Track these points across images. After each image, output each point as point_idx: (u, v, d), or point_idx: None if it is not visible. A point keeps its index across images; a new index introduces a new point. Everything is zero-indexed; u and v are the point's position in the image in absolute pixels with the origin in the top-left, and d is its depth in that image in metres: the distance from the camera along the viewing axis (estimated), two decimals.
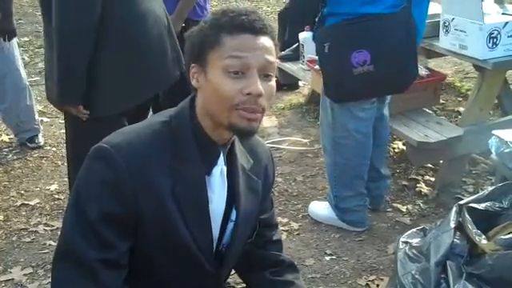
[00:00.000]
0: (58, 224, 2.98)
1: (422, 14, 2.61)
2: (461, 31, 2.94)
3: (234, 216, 1.46)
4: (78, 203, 1.30)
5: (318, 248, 2.84)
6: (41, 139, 3.96)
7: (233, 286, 1.75)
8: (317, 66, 3.34)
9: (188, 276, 1.43)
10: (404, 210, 3.13)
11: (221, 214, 1.43)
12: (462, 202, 2.05)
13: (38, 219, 3.11)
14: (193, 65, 1.34)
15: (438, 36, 3.13)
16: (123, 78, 2.37)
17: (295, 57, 4.39)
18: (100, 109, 2.38)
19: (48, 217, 3.13)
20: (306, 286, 2.44)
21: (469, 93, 4.32)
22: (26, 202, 3.27)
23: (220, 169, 1.39)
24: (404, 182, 3.39)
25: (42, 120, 4.24)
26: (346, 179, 2.84)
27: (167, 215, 1.32)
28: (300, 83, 4.89)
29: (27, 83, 3.91)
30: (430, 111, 3.68)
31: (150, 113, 2.84)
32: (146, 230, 1.32)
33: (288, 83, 4.73)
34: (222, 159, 1.40)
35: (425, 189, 3.30)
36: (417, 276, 1.93)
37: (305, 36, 4.09)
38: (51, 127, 4.25)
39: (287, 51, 4.44)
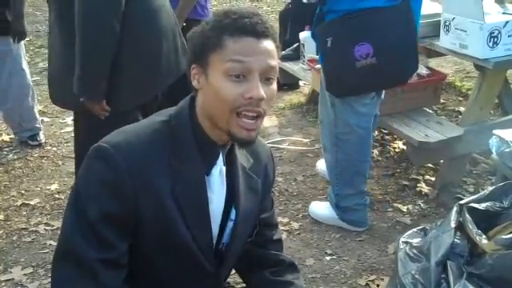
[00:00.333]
0: (59, 224, 2.98)
1: (419, 8, 2.65)
2: (461, 30, 2.94)
3: (233, 215, 1.46)
4: (78, 203, 1.30)
5: (318, 248, 2.84)
6: (42, 137, 3.96)
7: (233, 285, 1.75)
8: (318, 65, 3.35)
9: (188, 275, 1.43)
10: (404, 210, 3.13)
11: (220, 214, 1.43)
12: (462, 202, 2.05)
13: (39, 219, 3.11)
14: (194, 65, 1.34)
15: (439, 35, 3.13)
16: (141, 72, 2.40)
17: (296, 56, 4.39)
18: (119, 104, 2.39)
19: (48, 216, 3.13)
20: (307, 286, 2.46)
21: (469, 92, 4.32)
22: (27, 202, 3.27)
23: (219, 169, 1.39)
24: (404, 182, 3.39)
25: (42, 120, 4.23)
26: (347, 176, 2.84)
27: (167, 215, 1.32)
28: (300, 83, 4.89)
29: (31, 83, 3.93)
30: (431, 111, 3.68)
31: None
32: (145, 229, 1.32)
33: (288, 83, 4.73)
34: (221, 159, 1.39)
35: (425, 189, 3.30)
36: (417, 276, 1.93)
37: (305, 35, 4.09)
38: (51, 127, 4.25)
39: (288, 51, 4.44)
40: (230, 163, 1.43)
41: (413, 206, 3.17)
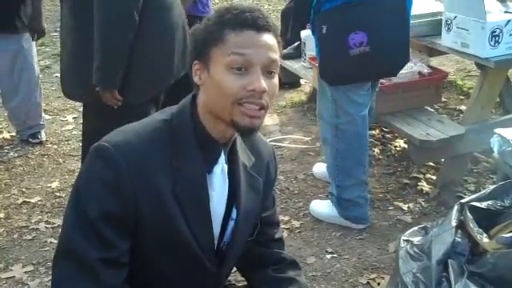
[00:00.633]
0: (59, 222, 2.98)
1: (410, 5, 2.70)
2: (463, 29, 2.94)
3: (234, 214, 1.45)
4: (78, 202, 1.30)
5: (319, 246, 2.84)
6: (43, 135, 3.97)
7: (234, 283, 1.75)
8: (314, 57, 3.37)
9: (189, 274, 1.43)
10: (405, 209, 3.13)
11: (221, 213, 1.43)
12: (463, 201, 2.04)
13: (39, 217, 3.11)
14: (195, 62, 1.34)
15: (440, 34, 3.13)
16: (153, 66, 2.47)
17: (297, 55, 4.38)
18: (130, 97, 2.45)
19: (49, 214, 3.13)
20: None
21: (471, 91, 4.31)
22: (27, 200, 3.27)
23: (221, 167, 1.39)
24: (405, 181, 3.38)
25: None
26: (349, 166, 2.86)
27: (167, 213, 1.32)
28: (302, 81, 4.89)
29: (39, 80, 3.95)
30: (432, 110, 3.67)
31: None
32: (146, 228, 1.32)
33: (289, 81, 4.73)
34: (222, 157, 1.39)
35: (426, 187, 3.30)
36: (418, 274, 1.92)
37: (306, 34, 4.08)
38: (52, 125, 4.25)
39: (289, 49, 4.44)
40: (232, 162, 1.43)
41: (414, 204, 3.17)
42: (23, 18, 3.61)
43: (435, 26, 3.21)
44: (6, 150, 3.87)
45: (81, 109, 4.37)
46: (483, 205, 2.00)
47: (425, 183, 3.34)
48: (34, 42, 3.83)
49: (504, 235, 1.86)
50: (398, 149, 3.77)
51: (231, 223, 1.46)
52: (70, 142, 3.97)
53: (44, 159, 3.75)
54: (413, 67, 3.42)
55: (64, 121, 4.33)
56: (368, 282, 2.58)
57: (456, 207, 2.02)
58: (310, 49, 4.04)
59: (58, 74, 5.21)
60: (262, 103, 1.29)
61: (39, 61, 5.47)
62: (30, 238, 2.93)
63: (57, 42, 6.12)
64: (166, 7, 2.51)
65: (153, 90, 2.55)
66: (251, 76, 1.27)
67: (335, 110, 2.79)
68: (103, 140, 1.32)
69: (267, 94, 1.29)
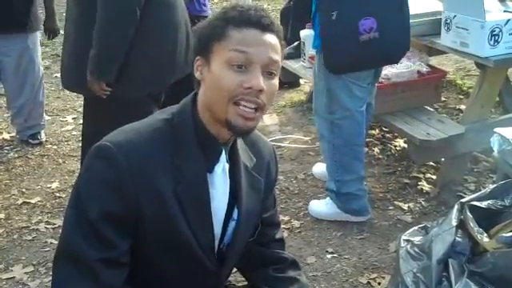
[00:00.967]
0: (59, 222, 2.98)
1: None
2: (462, 29, 2.94)
3: (235, 214, 1.45)
4: (79, 202, 1.30)
5: (319, 246, 2.84)
6: (43, 135, 3.97)
7: (234, 283, 1.75)
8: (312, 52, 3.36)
9: (189, 274, 1.43)
10: (405, 208, 3.13)
11: (223, 213, 1.43)
12: (463, 200, 2.04)
13: (39, 217, 3.11)
14: (198, 57, 1.35)
15: (440, 33, 3.13)
16: (153, 63, 2.51)
17: (296, 54, 4.38)
18: (129, 90, 2.50)
19: (49, 215, 3.13)
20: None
21: (470, 90, 4.31)
22: (27, 200, 3.26)
23: (222, 166, 1.39)
24: (405, 180, 3.38)
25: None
26: (347, 162, 2.87)
27: (168, 213, 1.32)
28: (301, 81, 4.89)
29: (43, 80, 3.97)
30: (432, 109, 3.67)
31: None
32: (147, 228, 1.32)
33: (289, 81, 4.73)
34: (223, 156, 1.39)
35: (426, 187, 3.30)
36: (418, 274, 1.92)
37: (306, 33, 4.08)
38: (52, 125, 4.25)
39: (288, 49, 4.43)
40: (233, 161, 1.43)
41: (414, 204, 3.17)
42: (31, 18, 3.63)
43: (434, 25, 3.21)
44: (6, 151, 3.87)
45: (80, 109, 4.38)
46: (483, 204, 2.01)
47: (425, 183, 3.34)
48: (38, 42, 3.83)
49: (504, 234, 1.87)
50: (397, 148, 3.77)
51: (232, 223, 1.46)
52: (69, 143, 3.96)
53: (44, 160, 3.74)
54: (412, 66, 3.43)
55: (64, 121, 4.33)
56: (368, 282, 2.58)
57: (456, 207, 2.02)
58: (310, 48, 4.04)
59: (58, 75, 5.23)
60: (258, 102, 1.28)
61: None
62: (30, 238, 2.93)
63: (56, 43, 6.11)
64: (170, 5, 2.55)
65: (151, 86, 2.57)
66: (250, 74, 1.27)
67: (330, 106, 2.79)
68: (104, 140, 1.32)
69: (265, 94, 1.29)
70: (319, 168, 3.45)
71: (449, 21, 3.02)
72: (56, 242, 2.71)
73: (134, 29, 2.40)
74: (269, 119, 4.25)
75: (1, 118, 4.31)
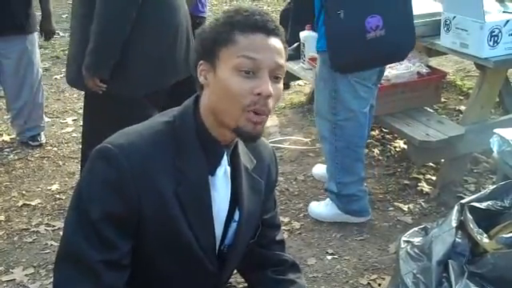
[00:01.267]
0: (60, 224, 2.98)
1: None
2: (462, 30, 2.94)
3: (237, 216, 1.45)
4: (80, 203, 1.30)
5: (319, 247, 2.84)
6: (43, 137, 3.97)
7: (234, 285, 1.75)
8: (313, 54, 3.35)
9: (190, 276, 1.43)
10: (405, 209, 3.13)
11: (224, 215, 1.43)
12: (463, 201, 2.04)
13: (40, 219, 3.11)
14: (201, 61, 1.34)
15: (439, 34, 3.13)
16: (152, 63, 2.54)
17: (296, 56, 4.38)
18: (126, 88, 2.54)
19: (49, 217, 3.13)
20: (308, 286, 2.45)
21: (470, 91, 4.32)
22: (28, 203, 3.26)
23: (224, 169, 1.39)
24: (405, 181, 3.39)
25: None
26: (348, 163, 2.88)
27: (169, 214, 1.32)
28: (301, 82, 4.89)
29: (42, 82, 3.97)
30: (432, 110, 3.68)
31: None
32: (148, 229, 1.32)
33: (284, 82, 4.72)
34: (225, 159, 1.39)
35: (426, 188, 3.30)
36: (418, 275, 1.92)
37: (305, 35, 4.08)
38: (52, 127, 4.25)
39: (288, 50, 4.43)
40: (234, 164, 1.43)
41: (414, 205, 3.17)
42: (29, 19, 3.64)
43: (434, 26, 3.22)
44: (6, 153, 3.87)
45: (80, 111, 4.38)
46: (483, 205, 2.01)
47: (425, 184, 3.34)
48: (37, 43, 3.84)
49: (504, 235, 1.87)
50: (397, 149, 3.77)
51: (233, 225, 1.46)
52: (69, 145, 3.96)
53: (44, 161, 3.74)
54: (412, 67, 3.43)
55: (64, 123, 4.33)
56: (368, 283, 2.58)
57: (456, 208, 2.02)
58: (310, 50, 4.04)
59: (58, 77, 5.25)
60: (267, 108, 1.29)
61: None
62: (31, 240, 2.93)
63: (55, 45, 6.13)
64: (170, 6, 2.57)
65: (147, 86, 2.58)
66: (259, 80, 1.27)
67: (334, 107, 2.79)
68: (105, 142, 1.32)
69: (272, 98, 1.29)
70: (319, 169, 3.45)
71: (448, 22, 3.02)
72: (56, 244, 2.72)
73: (130, 25, 2.43)
74: (269, 121, 4.17)
75: (1, 119, 4.31)
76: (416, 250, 2.03)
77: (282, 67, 1.31)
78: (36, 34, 3.81)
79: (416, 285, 1.91)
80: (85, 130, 2.86)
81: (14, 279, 2.65)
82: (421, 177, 3.41)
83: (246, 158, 1.47)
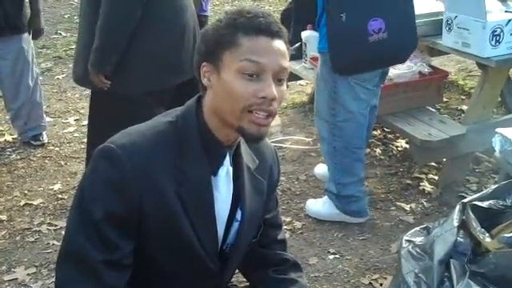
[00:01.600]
0: (62, 223, 2.98)
1: None
2: (464, 29, 2.94)
3: (239, 216, 1.46)
4: (82, 203, 1.30)
5: (321, 247, 2.84)
6: (45, 137, 3.97)
7: (236, 284, 1.75)
8: (315, 53, 3.35)
9: (192, 275, 1.43)
10: (407, 209, 3.12)
11: (226, 214, 1.43)
12: (465, 201, 2.04)
13: (42, 219, 3.11)
14: (204, 63, 1.33)
15: (441, 34, 3.13)
16: (156, 58, 2.56)
17: (298, 56, 4.37)
18: (130, 85, 2.57)
19: (51, 216, 3.13)
20: (310, 285, 2.45)
21: (472, 91, 4.31)
22: (30, 202, 3.27)
23: (226, 169, 1.39)
24: (407, 181, 3.38)
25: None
26: (347, 164, 2.87)
27: (171, 214, 1.32)
28: (302, 82, 4.88)
29: (39, 81, 3.97)
30: (433, 109, 3.67)
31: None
32: (150, 229, 1.32)
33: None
34: (227, 160, 1.39)
35: (428, 187, 3.30)
36: (420, 274, 1.92)
37: (307, 34, 4.08)
38: (54, 127, 4.25)
39: (290, 50, 4.43)
40: (236, 164, 1.43)
41: (416, 204, 3.17)
42: (22, 19, 3.64)
43: (436, 26, 3.21)
44: (8, 153, 3.87)
45: (82, 111, 4.39)
46: (485, 204, 2.00)
47: (427, 183, 3.34)
48: (32, 43, 3.84)
49: (506, 235, 1.87)
50: (399, 149, 3.77)
51: (235, 225, 1.46)
52: (71, 144, 3.97)
53: (46, 161, 3.75)
54: (413, 67, 3.43)
55: (66, 123, 4.33)
56: (370, 283, 2.58)
57: (458, 207, 2.02)
58: (311, 49, 4.03)
59: (60, 77, 5.26)
60: (270, 110, 1.29)
61: (40, 63, 5.50)
62: (33, 240, 2.93)
63: (57, 45, 6.14)
64: (177, 6, 2.59)
65: (150, 85, 2.59)
66: (263, 83, 1.27)
67: (333, 108, 2.78)
68: (108, 141, 1.32)
69: (276, 100, 1.29)
70: (321, 169, 3.45)
71: (450, 21, 3.02)
72: (58, 244, 2.72)
73: (133, 23, 2.45)
74: None
75: (3, 119, 4.31)
76: (418, 250, 2.03)
77: (285, 70, 1.31)
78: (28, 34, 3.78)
79: (418, 284, 1.91)
80: (89, 129, 2.88)
81: (16, 278, 2.65)
82: (423, 176, 3.41)
83: (248, 158, 1.47)
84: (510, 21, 2.84)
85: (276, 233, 1.66)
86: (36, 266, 2.73)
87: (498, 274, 1.76)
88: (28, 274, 2.68)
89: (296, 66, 4.31)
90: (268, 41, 1.28)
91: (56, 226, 3.03)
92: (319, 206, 3.06)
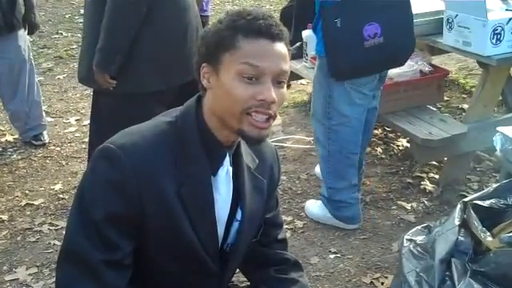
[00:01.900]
0: (63, 223, 2.99)
1: None
2: (464, 28, 2.93)
3: (239, 216, 1.46)
4: (82, 203, 1.30)
5: (322, 246, 2.84)
6: (46, 136, 3.97)
7: (236, 284, 1.75)
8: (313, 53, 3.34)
9: (192, 276, 1.43)
10: (408, 208, 3.12)
11: (226, 214, 1.43)
12: (466, 199, 2.04)
13: (43, 219, 3.11)
14: (204, 64, 1.33)
15: (442, 33, 3.12)
16: (160, 58, 2.58)
17: (298, 55, 4.37)
18: (133, 84, 2.58)
19: (52, 216, 3.13)
20: (311, 285, 2.45)
21: (473, 90, 4.31)
22: (31, 202, 3.27)
23: (226, 169, 1.39)
24: (408, 180, 3.38)
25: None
26: (340, 169, 2.85)
27: (172, 215, 1.32)
28: (303, 81, 4.88)
29: (37, 79, 3.96)
30: (434, 108, 3.67)
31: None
32: (150, 230, 1.32)
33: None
34: (227, 160, 1.39)
35: (429, 186, 3.29)
36: (421, 273, 1.92)
37: (308, 34, 4.08)
38: (55, 127, 4.25)
39: (291, 49, 4.42)
40: (236, 164, 1.43)
41: (417, 203, 3.17)
42: (17, 16, 3.62)
43: (437, 24, 3.21)
44: (9, 153, 3.87)
45: (83, 111, 4.39)
46: (486, 203, 2.00)
47: (428, 182, 3.34)
48: (28, 41, 3.82)
49: (507, 234, 1.86)
50: (400, 148, 3.77)
51: (235, 224, 1.46)
52: (72, 144, 3.97)
53: (47, 161, 3.75)
54: (414, 66, 3.42)
55: (67, 123, 4.33)
56: (371, 282, 2.58)
57: (459, 206, 2.02)
58: (312, 49, 4.03)
59: (61, 76, 5.26)
60: (269, 113, 1.29)
61: (41, 63, 5.50)
62: (34, 240, 2.94)
63: (59, 44, 6.14)
64: (180, 7, 2.60)
65: (156, 83, 2.60)
66: (262, 86, 1.27)
67: (328, 112, 2.77)
68: (108, 142, 1.32)
69: (275, 103, 1.29)
70: None
71: (451, 20, 3.01)
72: (59, 244, 2.72)
73: (138, 22, 2.47)
74: None
75: (4, 119, 4.32)
76: (419, 249, 2.03)
77: (285, 73, 1.30)
78: (24, 30, 3.76)
79: (419, 283, 1.91)
80: (91, 129, 2.89)
81: (18, 278, 2.66)
82: (424, 175, 3.41)
83: (248, 157, 1.47)
84: (510, 19, 2.84)
85: (277, 232, 1.66)
86: (37, 266, 2.73)
87: (499, 273, 1.76)
88: (29, 274, 2.68)
89: (297, 66, 4.31)
90: (268, 44, 1.27)
91: (57, 226, 3.04)
92: (315, 208, 3.05)
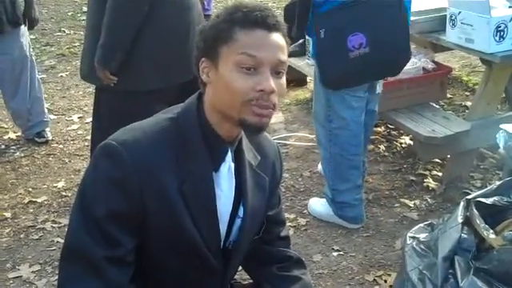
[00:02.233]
0: (66, 221, 2.98)
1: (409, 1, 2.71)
2: (467, 25, 2.93)
3: (241, 212, 1.45)
4: (84, 200, 1.30)
5: (325, 244, 2.84)
6: (49, 134, 3.97)
7: (239, 281, 1.75)
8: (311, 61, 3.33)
9: (194, 273, 1.43)
10: (411, 205, 3.12)
11: (228, 211, 1.43)
12: (469, 197, 2.04)
13: (46, 216, 3.12)
14: (203, 59, 1.34)
15: (445, 30, 3.11)
16: (161, 56, 2.58)
17: (301, 52, 4.37)
18: (134, 81, 2.60)
19: (55, 214, 3.14)
20: (314, 282, 2.45)
21: (476, 87, 4.30)
22: (34, 200, 3.27)
23: (228, 165, 1.39)
24: (411, 177, 3.38)
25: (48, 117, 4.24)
26: (343, 171, 2.85)
27: (174, 212, 1.32)
28: (307, 79, 4.88)
29: (38, 76, 3.96)
30: (437, 106, 3.67)
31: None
32: (152, 226, 1.32)
33: (295, 79, 4.71)
34: (229, 156, 1.39)
35: (432, 184, 3.29)
36: (424, 271, 1.92)
37: None
38: (58, 124, 4.26)
39: (293, 46, 4.41)
40: (238, 160, 1.43)
41: (420, 201, 3.16)
42: (17, 13, 3.61)
43: (440, 21, 3.20)
44: (12, 150, 3.88)
45: (86, 108, 4.40)
46: (489, 201, 2.00)
47: (431, 180, 3.33)
48: (28, 37, 3.82)
49: (510, 231, 1.86)
50: (403, 145, 3.77)
51: (238, 221, 1.46)
52: (75, 142, 3.97)
53: (50, 159, 3.75)
54: (417, 63, 3.42)
55: (69, 120, 4.34)
56: (374, 280, 2.57)
57: (462, 203, 2.02)
58: None
59: (63, 74, 5.26)
60: (270, 103, 1.29)
61: (44, 61, 5.50)
62: (37, 237, 2.94)
63: (61, 42, 6.14)
64: (183, 6, 2.61)
65: (158, 81, 2.61)
66: (260, 76, 1.27)
67: (329, 115, 2.77)
68: (109, 139, 1.32)
69: (275, 93, 1.29)
70: None
71: (454, 17, 3.00)
72: (62, 241, 2.72)
73: (140, 20, 2.48)
74: (274, 117, 4.18)
75: (6, 117, 4.32)
76: (422, 246, 2.03)
77: (283, 63, 1.30)
78: (24, 27, 3.76)
79: (422, 281, 1.91)
80: (94, 126, 2.90)
81: (21, 276, 2.66)
82: (427, 173, 3.41)
83: (250, 154, 1.47)
84: None
85: (279, 229, 1.66)
86: (40, 264, 2.74)
87: (502, 270, 1.76)
88: (32, 272, 2.68)
89: (299, 63, 4.32)
90: (265, 34, 1.28)
91: (60, 223, 3.04)
92: (319, 206, 3.05)
